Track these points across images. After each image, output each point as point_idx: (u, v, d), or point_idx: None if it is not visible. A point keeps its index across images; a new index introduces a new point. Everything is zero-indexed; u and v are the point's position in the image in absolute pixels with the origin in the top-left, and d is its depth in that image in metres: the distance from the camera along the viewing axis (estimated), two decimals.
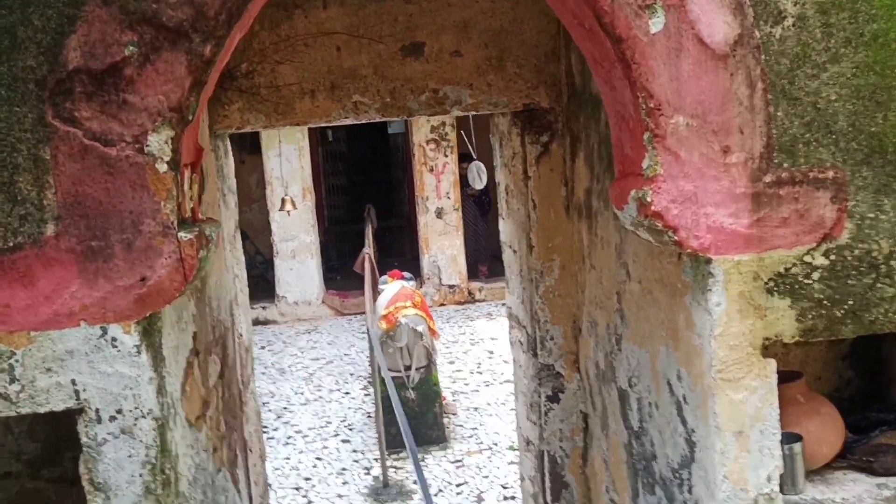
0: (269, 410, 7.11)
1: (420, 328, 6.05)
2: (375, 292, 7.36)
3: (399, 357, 6.05)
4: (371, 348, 5.61)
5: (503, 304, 10.58)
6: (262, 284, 11.31)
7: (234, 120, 2.79)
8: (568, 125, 3.05)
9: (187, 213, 1.80)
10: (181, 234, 1.70)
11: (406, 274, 6.91)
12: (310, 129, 10.70)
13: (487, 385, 7.29)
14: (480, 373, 7.65)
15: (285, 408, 7.15)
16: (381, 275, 8.09)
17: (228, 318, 2.80)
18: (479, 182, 9.28)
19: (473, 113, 3.05)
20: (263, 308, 10.21)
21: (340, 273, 12.52)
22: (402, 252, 13.59)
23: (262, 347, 9.13)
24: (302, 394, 7.50)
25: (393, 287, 6.48)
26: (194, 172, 1.91)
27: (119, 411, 1.73)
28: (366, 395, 7.31)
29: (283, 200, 9.06)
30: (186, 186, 1.80)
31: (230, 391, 2.63)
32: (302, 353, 8.78)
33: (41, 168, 1.63)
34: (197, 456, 1.99)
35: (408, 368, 6.10)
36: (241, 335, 3.21)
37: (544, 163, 3.12)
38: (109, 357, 1.72)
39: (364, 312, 10.25)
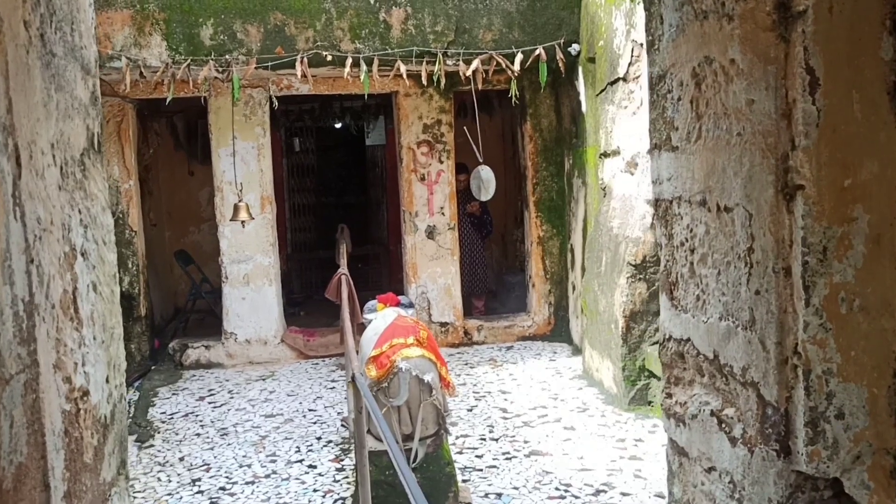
0: (200, 492, 4.98)
1: (428, 377, 4.03)
2: (355, 324, 5.31)
3: (395, 420, 4.00)
4: (354, 401, 3.56)
5: (507, 348, 8.63)
6: (208, 320, 9.18)
7: None
8: None
9: None
10: None
11: (403, 299, 4.89)
12: (273, 135, 8.73)
13: (508, 458, 5.25)
14: (495, 439, 5.61)
15: (223, 488, 5.03)
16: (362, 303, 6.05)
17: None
18: (485, 192, 7.35)
19: None
20: (206, 347, 8.07)
21: (304, 308, 10.43)
22: (378, 284, 11.55)
23: (201, 399, 6.98)
24: (249, 466, 5.38)
25: (385, 317, 4.46)
26: None
27: None
28: (338, 470, 5.22)
29: (235, 208, 7.02)
30: None
31: None
32: (253, 408, 6.66)
33: None
34: None
35: (408, 438, 4.05)
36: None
37: None
38: None
39: (334, 355, 8.19)
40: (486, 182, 7.29)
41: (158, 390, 7.27)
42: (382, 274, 11.58)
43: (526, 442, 5.52)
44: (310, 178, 11.94)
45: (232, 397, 6.98)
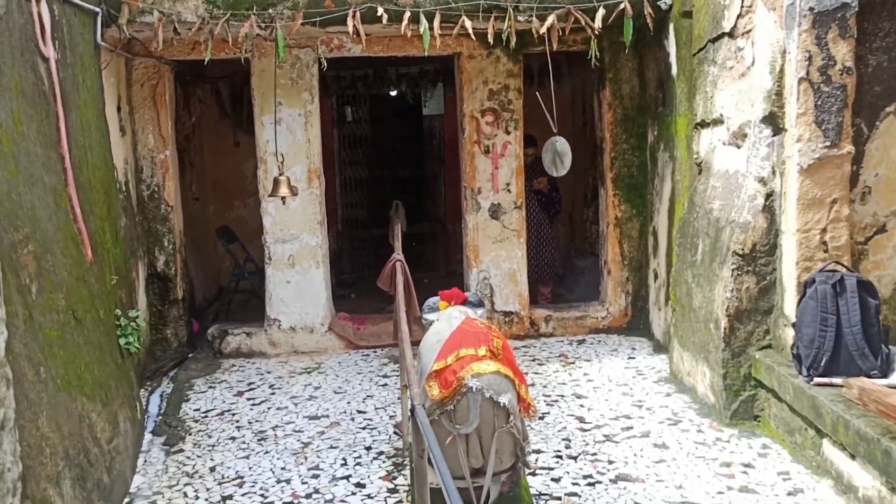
0: None
1: (504, 399, 3.21)
2: (412, 320, 4.50)
3: (462, 451, 3.20)
4: (415, 440, 2.76)
5: (579, 342, 7.48)
6: (253, 301, 8.50)
7: None
8: None
9: None
10: None
11: (471, 296, 4.04)
12: (323, 103, 7.95)
13: (591, 483, 4.41)
14: (574, 458, 4.77)
15: None
16: (424, 297, 5.25)
17: None
18: (560, 167, 6.46)
19: None
20: (248, 335, 7.38)
21: (355, 289, 9.70)
22: (434, 266, 10.80)
23: (239, 394, 6.28)
24: (288, 482, 4.65)
25: (450, 319, 3.63)
26: None
27: None
28: (390, 491, 4.45)
29: (275, 182, 6.25)
30: None
31: None
32: (295, 407, 5.93)
33: None
34: None
35: (478, 473, 3.24)
36: None
37: None
38: None
39: (386, 346, 7.43)
40: (561, 155, 6.39)
41: (194, 382, 6.60)
42: (438, 255, 10.78)
43: (611, 462, 4.67)
44: (362, 151, 11.15)
45: (273, 393, 6.27)
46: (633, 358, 6.79)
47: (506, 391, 3.20)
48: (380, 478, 4.64)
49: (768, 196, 4.98)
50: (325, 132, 8.13)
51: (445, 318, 3.64)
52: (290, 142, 7.16)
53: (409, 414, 3.71)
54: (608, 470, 4.58)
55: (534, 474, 4.43)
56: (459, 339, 3.36)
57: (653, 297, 7.34)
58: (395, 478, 4.63)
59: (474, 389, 3.14)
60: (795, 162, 4.72)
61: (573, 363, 6.73)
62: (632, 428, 5.20)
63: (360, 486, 4.55)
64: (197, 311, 8.34)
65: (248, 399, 6.15)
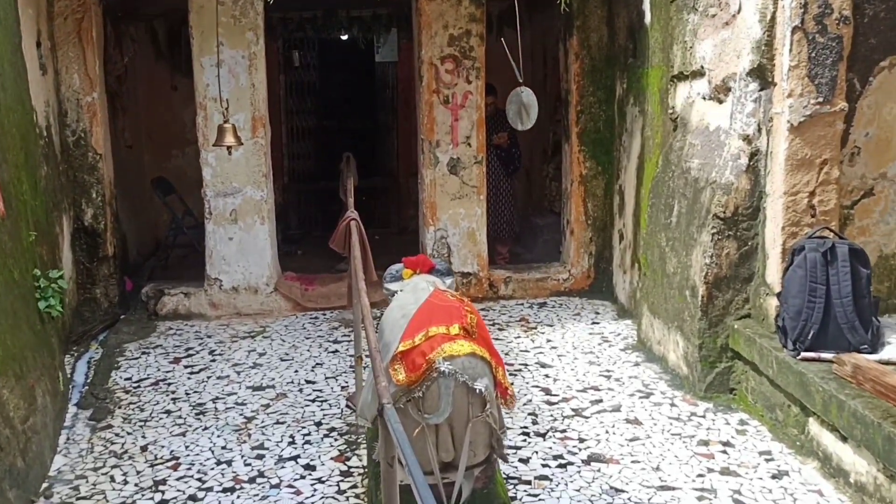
0: (163, 501, 3.81)
1: (480, 385, 2.80)
2: (371, 288, 4.05)
3: (430, 443, 2.79)
4: (383, 445, 2.34)
5: (539, 305, 7.04)
6: (192, 258, 7.92)
7: None
8: None
9: None
10: None
11: (438, 263, 3.59)
12: (269, 47, 7.33)
13: (562, 465, 4.07)
14: (542, 435, 4.43)
15: (193, 498, 3.85)
16: (375, 256, 4.80)
17: None
18: (526, 119, 6.01)
19: None
20: (186, 295, 6.84)
21: (302, 246, 9.18)
22: (385, 222, 10.32)
23: (176, 360, 5.78)
24: (229, 464, 4.20)
25: (417, 290, 3.19)
26: None
27: None
28: (343, 474, 4.05)
29: (220, 129, 5.68)
30: None
31: None
32: (238, 376, 5.46)
33: None
34: None
35: (449, 468, 2.85)
36: None
37: None
38: None
39: (335, 308, 6.97)
40: (527, 107, 5.93)
41: (126, 347, 6.06)
42: (391, 211, 10.30)
43: (582, 441, 4.34)
44: (311, 99, 10.51)
45: (213, 360, 5.79)
46: (598, 323, 6.47)
47: (482, 375, 2.79)
48: (332, 458, 4.23)
49: (753, 155, 4.63)
50: (271, 78, 7.52)
51: (411, 290, 3.20)
52: (232, 86, 6.56)
53: (368, 388, 3.30)
54: (579, 449, 4.25)
55: (519, 480, 4.04)
56: (428, 315, 2.93)
57: (617, 259, 7.02)
58: (348, 458, 4.22)
59: (446, 374, 2.73)
60: (785, 119, 4.36)
61: (535, 328, 6.38)
62: (601, 401, 4.88)
63: (309, 468, 4.13)
64: (131, 268, 7.74)
65: (186, 367, 5.65)
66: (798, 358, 4.09)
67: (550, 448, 4.27)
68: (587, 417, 4.65)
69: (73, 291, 6.39)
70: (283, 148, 9.83)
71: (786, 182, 4.39)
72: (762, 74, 4.54)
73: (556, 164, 8.93)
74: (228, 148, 5.67)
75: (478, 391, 2.77)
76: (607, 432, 4.44)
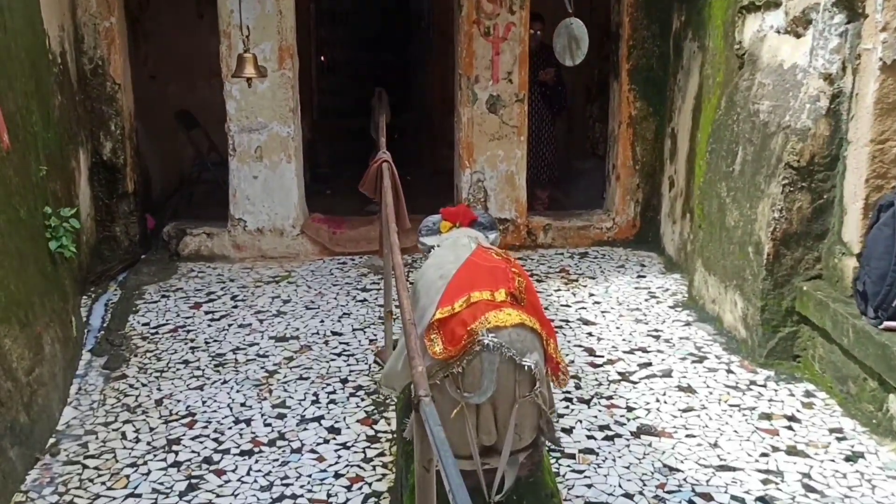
0: (176, 464, 3.52)
1: (530, 360, 2.41)
2: (403, 235, 3.65)
3: (471, 425, 2.43)
4: (419, 445, 1.98)
5: (581, 255, 6.49)
6: (218, 195, 7.54)
7: None
8: None
9: None
10: None
11: (481, 214, 3.18)
12: None
13: (609, 437, 3.72)
14: (586, 402, 4.07)
15: (208, 460, 3.56)
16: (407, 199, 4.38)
17: None
18: (576, 54, 5.51)
19: None
20: (208, 235, 6.51)
21: (331, 185, 8.79)
22: (418, 162, 9.84)
23: (196, 306, 5.48)
24: (248, 423, 3.90)
25: (455, 245, 2.79)
26: None
27: None
28: (370, 438, 3.73)
29: (240, 59, 5.25)
30: None
31: None
32: (261, 325, 5.15)
33: None
34: None
35: (490, 451, 2.49)
36: None
37: None
38: None
39: (365, 253, 6.61)
40: (578, 40, 5.43)
41: (146, 289, 5.77)
42: (423, 150, 9.83)
43: (630, 410, 3.97)
44: (342, 29, 9.99)
45: (236, 306, 5.47)
46: (644, 276, 6.04)
47: (531, 350, 2.41)
48: (358, 420, 3.91)
49: (834, 97, 4.12)
50: (300, 6, 7.02)
51: (450, 246, 2.79)
52: (257, 12, 6.11)
53: (398, 356, 2.94)
54: (628, 419, 3.88)
55: (561, 453, 3.64)
56: (470, 277, 2.53)
57: (666, 208, 6.54)
58: (375, 421, 3.90)
59: (491, 347, 2.35)
60: (877, 56, 3.83)
61: (576, 280, 5.98)
62: (650, 364, 4.49)
63: (333, 430, 3.82)
64: (154, 204, 7.42)
65: (207, 313, 5.35)
66: (880, 327, 3.66)
67: (595, 417, 3.91)
68: (635, 383, 4.28)
69: (91, 229, 6.09)
70: (312, 82, 9.36)
71: (873, 128, 3.89)
72: (851, 4, 4.00)
73: (601, 104, 8.39)
74: (248, 80, 5.25)
75: (526, 368, 2.38)
76: (657, 401, 4.07)
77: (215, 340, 4.89)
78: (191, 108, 8.53)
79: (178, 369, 4.50)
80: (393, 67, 10.73)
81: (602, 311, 5.33)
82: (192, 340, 4.89)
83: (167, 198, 8.01)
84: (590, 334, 4.94)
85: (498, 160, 6.61)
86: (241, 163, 6.37)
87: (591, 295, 5.65)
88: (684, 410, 3.96)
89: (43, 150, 4.81)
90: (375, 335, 4.94)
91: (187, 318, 5.26)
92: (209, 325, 5.12)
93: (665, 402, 4.04)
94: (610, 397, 4.11)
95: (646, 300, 5.52)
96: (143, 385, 4.30)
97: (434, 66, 9.62)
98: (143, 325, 5.14)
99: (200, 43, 8.86)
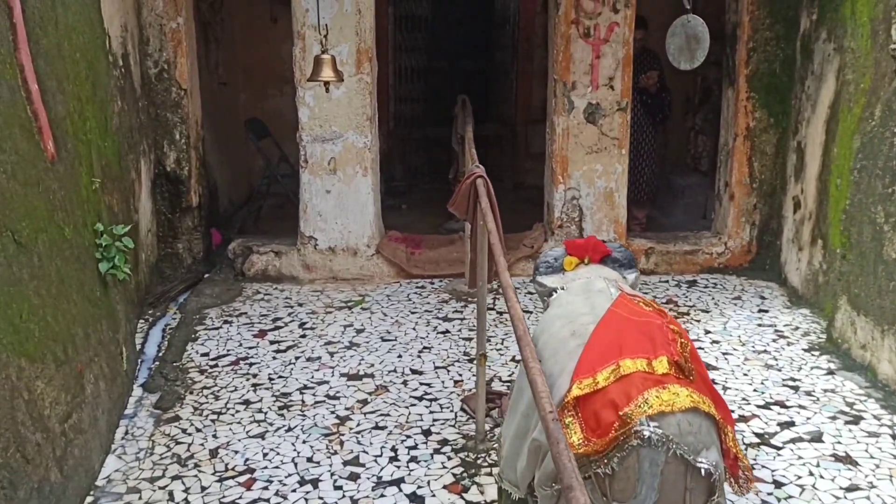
0: None
1: (706, 462, 1.73)
2: (491, 264, 3.00)
3: None
4: None
5: (689, 283, 5.69)
6: (288, 209, 7.05)
7: None
8: None
9: None
10: None
11: (616, 249, 2.49)
12: None
13: None
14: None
15: None
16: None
17: None
18: (698, 54, 4.79)
19: None
20: (276, 254, 5.97)
21: (407, 200, 8.23)
22: (499, 175, 9.16)
23: (261, 334, 4.92)
24: (315, 485, 3.29)
25: (588, 290, 2.13)
26: None
27: None
28: None
29: (317, 61, 4.69)
30: None
31: None
32: (332, 359, 4.56)
33: None
34: None
35: None
36: None
37: None
38: None
39: (445, 276, 5.99)
40: (698, 39, 4.71)
41: (207, 313, 5.25)
42: (505, 162, 9.18)
43: (778, 486, 3.23)
44: (421, 34, 9.43)
45: (304, 335, 4.90)
46: (766, 311, 5.25)
47: (708, 445, 1.73)
48: (444, 486, 3.27)
49: None
50: (379, 10, 6.47)
51: (580, 290, 2.13)
52: (335, 11, 5.57)
53: (516, 439, 2.28)
54: (778, 500, 3.14)
55: None
56: (617, 338, 1.87)
57: (789, 233, 5.73)
58: (466, 488, 3.25)
59: (654, 442, 1.68)
60: None
61: (687, 314, 5.23)
62: (793, 424, 3.74)
63: (416, 499, 3.18)
64: (222, 218, 6.96)
65: (272, 343, 4.79)
66: None
67: (736, 497, 3.17)
68: (778, 448, 3.53)
69: (152, 246, 5.64)
70: (388, 90, 8.82)
71: None
72: None
73: (704, 114, 7.62)
74: (326, 84, 4.68)
75: (703, 471, 1.70)
76: (811, 474, 3.31)
77: (280, 376, 4.32)
78: (261, 116, 8.09)
79: (237, 411, 3.94)
80: (473, 75, 10.12)
81: (723, 353, 4.58)
82: (254, 376, 4.33)
83: (234, 212, 7.55)
84: (714, 381, 4.18)
85: (595, 175, 5.91)
86: (313, 175, 5.82)
87: (708, 332, 4.89)
88: (847, 490, 3.19)
89: (98, 160, 4.34)
90: (461, 375, 4.30)
91: (250, 348, 4.72)
92: (274, 358, 4.56)
93: (821, 478, 3.28)
94: (751, 468, 3.36)
95: (773, 340, 4.74)
96: (198, 430, 3.75)
97: (518, 72, 8.99)
98: (202, 355, 4.61)
99: (273, 48, 8.44)
